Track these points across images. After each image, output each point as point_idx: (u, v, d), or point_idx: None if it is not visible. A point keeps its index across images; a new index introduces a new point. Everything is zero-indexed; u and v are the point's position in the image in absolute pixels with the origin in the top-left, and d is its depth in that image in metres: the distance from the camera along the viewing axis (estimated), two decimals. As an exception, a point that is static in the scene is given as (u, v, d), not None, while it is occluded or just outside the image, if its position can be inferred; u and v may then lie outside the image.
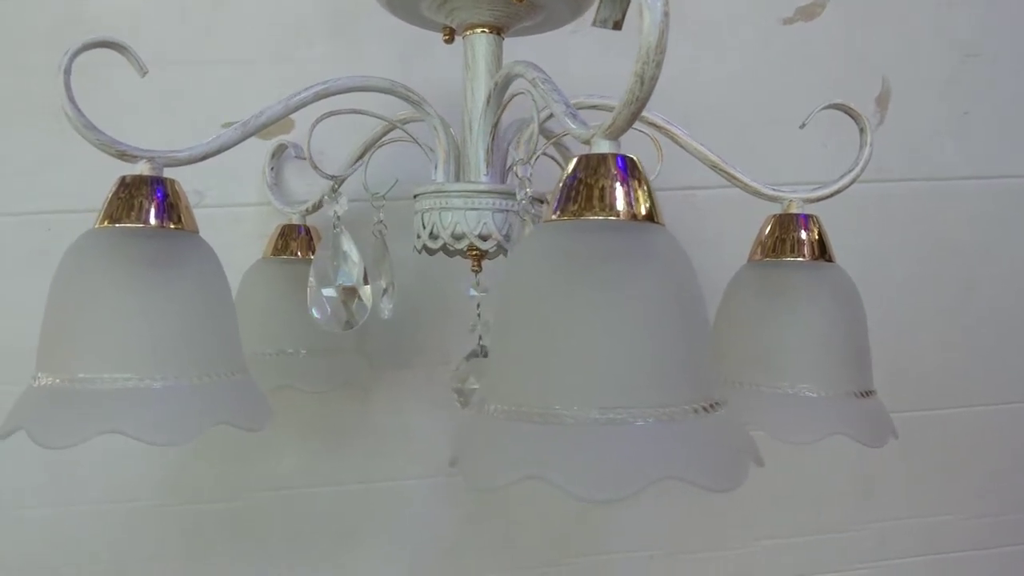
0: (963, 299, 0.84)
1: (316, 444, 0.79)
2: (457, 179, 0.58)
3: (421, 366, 0.79)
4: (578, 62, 0.76)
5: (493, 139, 0.55)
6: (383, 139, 0.65)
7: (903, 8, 0.81)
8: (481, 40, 0.58)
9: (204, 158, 0.49)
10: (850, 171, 0.56)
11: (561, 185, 0.39)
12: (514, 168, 0.51)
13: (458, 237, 0.54)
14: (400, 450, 0.80)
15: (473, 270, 0.58)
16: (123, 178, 0.47)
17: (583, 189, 0.38)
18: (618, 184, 0.38)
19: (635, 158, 0.39)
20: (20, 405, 0.45)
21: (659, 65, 0.35)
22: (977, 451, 0.87)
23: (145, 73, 0.48)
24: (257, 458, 0.77)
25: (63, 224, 0.73)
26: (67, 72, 0.45)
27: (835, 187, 0.56)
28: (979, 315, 0.85)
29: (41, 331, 0.46)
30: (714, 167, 0.57)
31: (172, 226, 0.47)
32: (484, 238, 0.54)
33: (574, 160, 0.39)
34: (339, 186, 0.58)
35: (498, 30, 0.58)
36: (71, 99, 0.45)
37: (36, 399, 0.44)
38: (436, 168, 0.57)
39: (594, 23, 0.39)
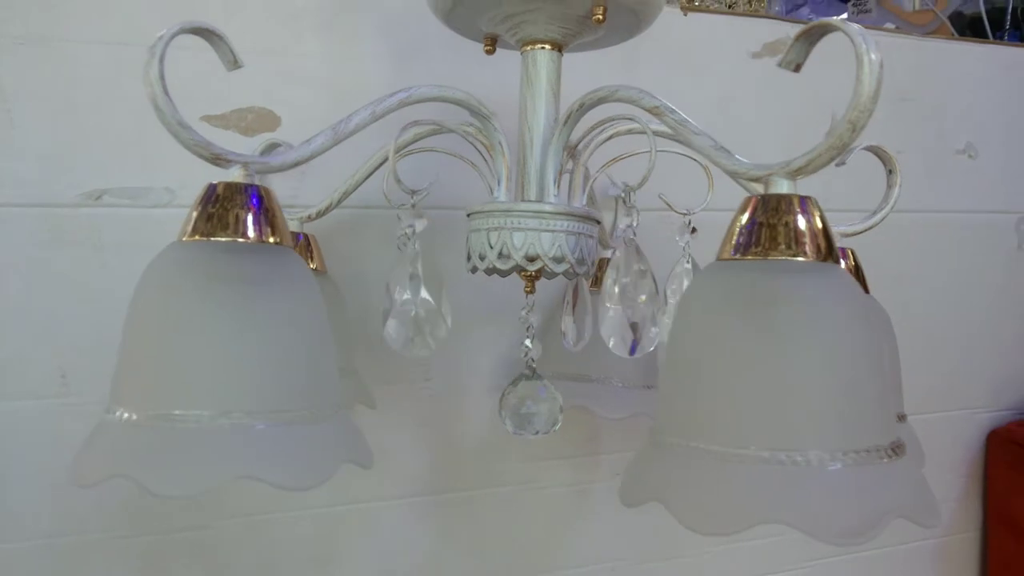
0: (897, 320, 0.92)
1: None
2: (513, 198, 0.56)
3: (402, 383, 0.76)
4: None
5: (568, 160, 0.54)
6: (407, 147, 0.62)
7: (850, 52, 0.88)
8: (543, 56, 0.56)
9: (296, 164, 0.45)
10: (882, 209, 0.60)
11: (740, 225, 0.39)
12: (622, 197, 0.50)
13: (531, 259, 0.53)
14: (374, 470, 0.75)
15: (527, 291, 0.56)
16: (213, 186, 0.42)
17: (765, 230, 0.38)
18: (802, 222, 0.38)
19: (812, 198, 0.39)
20: (101, 444, 0.38)
21: (871, 114, 0.36)
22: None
23: (236, 67, 0.42)
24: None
25: (9, 219, 0.63)
26: (161, 60, 0.39)
27: (871, 222, 0.60)
28: (911, 334, 0.93)
29: (120, 357, 0.40)
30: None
31: (271, 239, 0.42)
32: (558, 260, 0.53)
33: (751, 200, 0.39)
34: (417, 200, 0.54)
35: (559, 47, 0.57)
36: (166, 92, 0.39)
37: (125, 438, 0.38)
38: (499, 186, 0.55)
39: (780, 64, 0.40)
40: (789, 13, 1.08)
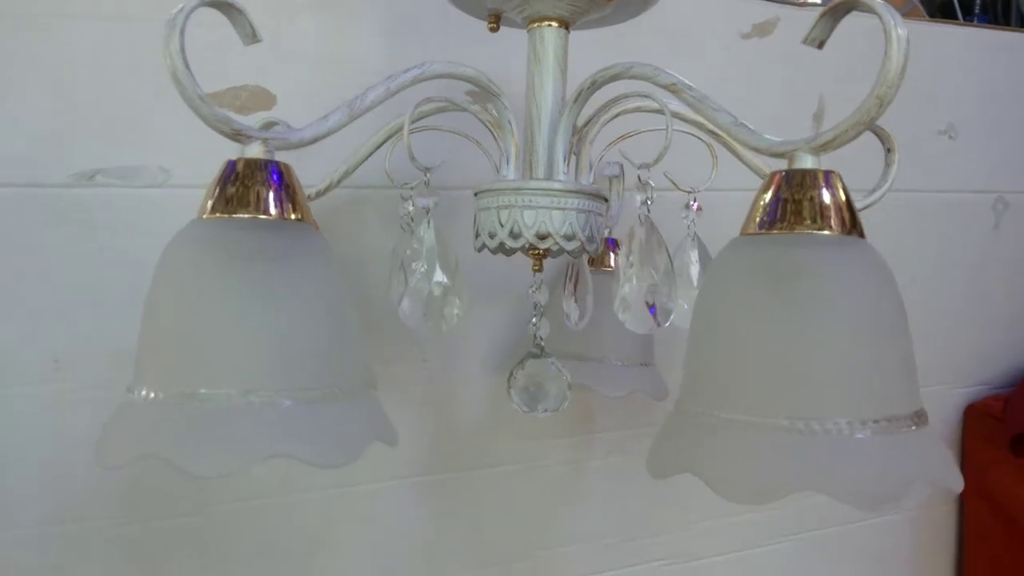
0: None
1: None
2: (523, 176, 0.56)
3: (398, 363, 0.75)
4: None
5: (577, 138, 0.54)
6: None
7: (838, 33, 0.89)
8: (551, 33, 0.56)
9: (314, 141, 0.44)
10: (880, 187, 0.61)
11: (764, 200, 0.39)
12: (637, 175, 0.50)
13: (542, 236, 0.53)
14: (370, 451, 0.75)
15: (535, 270, 0.56)
16: (232, 163, 0.41)
17: (791, 204, 0.39)
18: (827, 196, 0.39)
19: (835, 172, 0.40)
20: (126, 424, 0.38)
21: (897, 90, 0.36)
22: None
23: (255, 41, 0.42)
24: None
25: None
26: (182, 33, 0.38)
27: (867, 202, 0.61)
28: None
29: (142, 337, 0.39)
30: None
31: (293, 216, 0.41)
32: (569, 238, 0.53)
33: (776, 175, 0.40)
34: (429, 178, 0.54)
35: (566, 24, 0.56)
36: (186, 65, 0.38)
37: (151, 418, 0.37)
38: (508, 164, 0.55)
39: (804, 41, 0.40)
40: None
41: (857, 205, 0.59)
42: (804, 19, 0.88)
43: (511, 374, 0.57)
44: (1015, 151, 1.00)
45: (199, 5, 0.39)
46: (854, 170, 0.68)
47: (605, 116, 0.57)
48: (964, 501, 1.03)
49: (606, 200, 0.56)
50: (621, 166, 0.74)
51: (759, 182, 0.52)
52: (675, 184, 0.59)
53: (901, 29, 0.35)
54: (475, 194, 0.56)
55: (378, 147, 0.61)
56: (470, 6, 0.58)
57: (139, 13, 0.64)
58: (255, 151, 0.41)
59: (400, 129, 0.61)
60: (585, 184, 0.54)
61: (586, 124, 0.56)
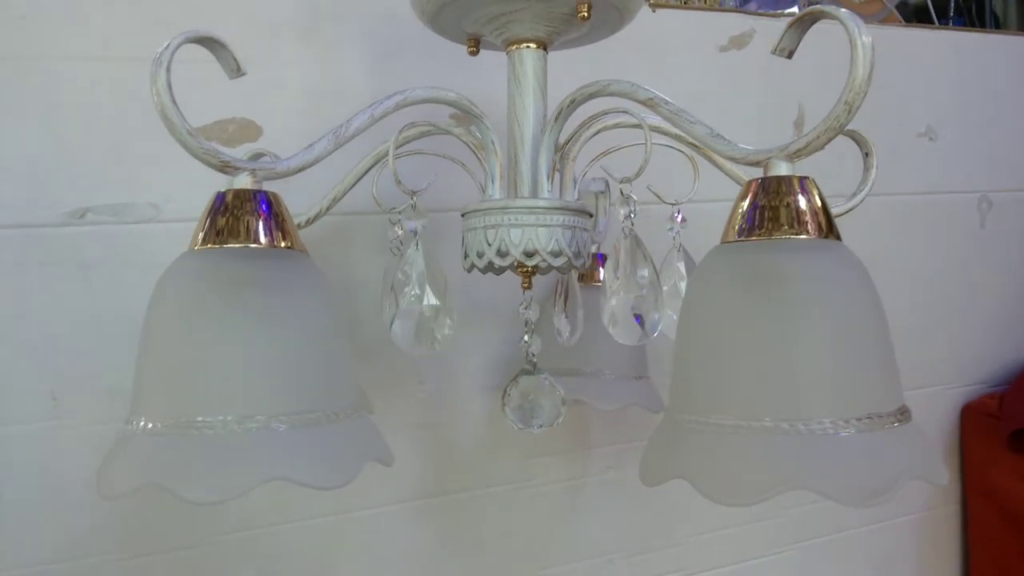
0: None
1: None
2: (507, 195, 0.57)
3: (395, 387, 0.76)
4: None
5: (559, 156, 0.55)
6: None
7: (814, 42, 0.91)
8: (530, 55, 0.57)
9: (301, 169, 0.45)
10: (860, 191, 0.62)
11: (742, 208, 0.40)
12: (619, 189, 0.51)
13: (530, 254, 0.53)
14: (372, 476, 0.75)
15: (524, 287, 0.57)
16: (222, 194, 0.42)
17: (768, 211, 0.40)
18: (803, 202, 0.40)
19: (810, 178, 0.41)
20: (128, 455, 0.38)
21: (865, 96, 0.37)
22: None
23: (240, 75, 0.43)
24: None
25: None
26: (168, 70, 0.39)
27: (848, 206, 0.62)
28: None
29: (138, 369, 0.40)
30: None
31: (283, 244, 0.42)
32: (556, 255, 0.54)
33: (752, 183, 0.41)
34: (416, 201, 0.55)
35: (544, 45, 0.58)
36: (173, 101, 0.39)
37: (150, 448, 0.38)
38: (492, 184, 0.56)
39: (774, 51, 0.41)
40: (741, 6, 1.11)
41: (839, 209, 0.60)
42: (778, 30, 0.89)
43: (505, 392, 0.58)
44: (996, 150, 1.01)
45: (184, 41, 0.40)
46: (841, 176, 0.70)
47: (587, 133, 0.58)
48: (967, 500, 1.03)
49: (591, 215, 0.57)
50: (606, 181, 0.75)
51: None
52: (659, 197, 0.60)
53: (866, 37, 0.36)
54: (462, 215, 0.56)
55: (365, 173, 0.62)
56: (450, 32, 0.59)
57: (122, 53, 0.65)
58: (244, 182, 0.42)
59: (386, 155, 0.62)
60: (570, 200, 0.55)
61: (568, 141, 0.57)
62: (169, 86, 0.39)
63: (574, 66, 0.66)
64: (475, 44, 0.60)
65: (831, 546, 0.96)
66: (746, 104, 0.89)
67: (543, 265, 0.55)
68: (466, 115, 0.55)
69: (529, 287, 0.57)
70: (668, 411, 0.41)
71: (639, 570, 0.87)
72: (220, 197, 0.42)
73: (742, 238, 0.40)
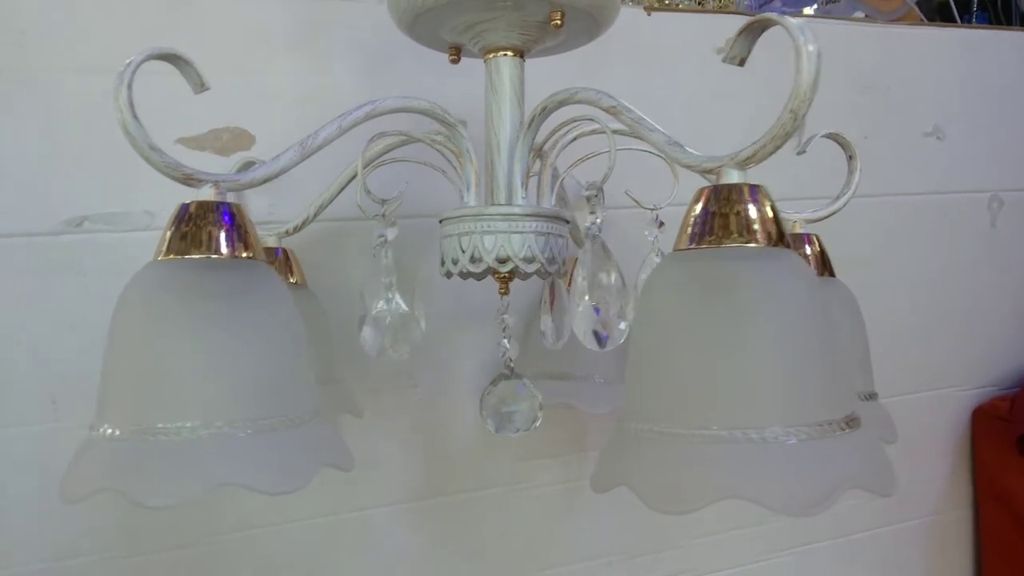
0: (862, 303, 0.94)
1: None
2: (483, 202, 0.58)
3: (389, 390, 0.77)
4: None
5: (534, 162, 0.56)
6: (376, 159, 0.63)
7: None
8: (506, 63, 0.57)
9: (265, 181, 0.46)
10: (844, 194, 0.61)
11: (694, 216, 0.40)
12: (585, 194, 0.51)
13: (502, 260, 0.54)
14: (368, 478, 0.77)
15: (501, 293, 0.58)
16: (185, 206, 0.43)
17: (718, 219, 0.40)
18: (752, 210, 0.40)
19: (762, 186, 0.41)
20: (87, 461, 0.39)
21: (810, 104, 0.37)
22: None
23: (204, 90, 0.44)
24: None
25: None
26: (129, 87, 0.40)
27: (832, 208, 0.61)
28: (876, 317, 0.95)
29: (103, 377, 0.41)
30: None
31: (244, 254, 0.43)
32: (529, 261, 0.54)
33: (704, 191, 0.41)
34: (388, 210, 0.56)
35: (521, 53, 0.58)
36: (135, 117, 0.41)
37: (110, 454, 0.39)
38: (468, 191, 0.56)
39: (724, 59, 0.41)
40: (761, 7, 1.10)
41: (821, 213, 0.60)
42: (776, 31, 0.89)
43: (483, 396, 0.58)
44: (1007, 149, 0.99)
45: (147, 58, 0.41)
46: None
47: (565, 139, 0.59)
48: (978, 504, 1.01)
49: (567, 221, 0.57)
50: (600, 187, 0.75)
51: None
52: (637, 202, 0.60)
53: (812, 46, 0.37)
54: (440, 221, 0.57)
55: (348, 181, 0.63)
56: (429, 40, 0.59)
57: (115, 64, 0.66)
58: (207, 193, 0.43)
59: (370, 162, 0.63)
60: (544, 207, 0.56)
61: (541, 147, 0.57)
62: (131, 102, 0.40)
63: (569, 70, 0.67)
64: (456, 52, 0.61)
65: (833, 550, 0.95)
66: (744, 106, 0.88)
67: (521, 271, 0.55)
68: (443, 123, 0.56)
69: (506, 293, 0.58)
70: (619, 420, 0.42)
71: (636, 573, 0.87)
72: (184, 208, 0.43)
73: (693, 245, 0.40)
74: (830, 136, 0.61)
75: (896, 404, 0.97)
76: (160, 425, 0.39)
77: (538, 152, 0.60)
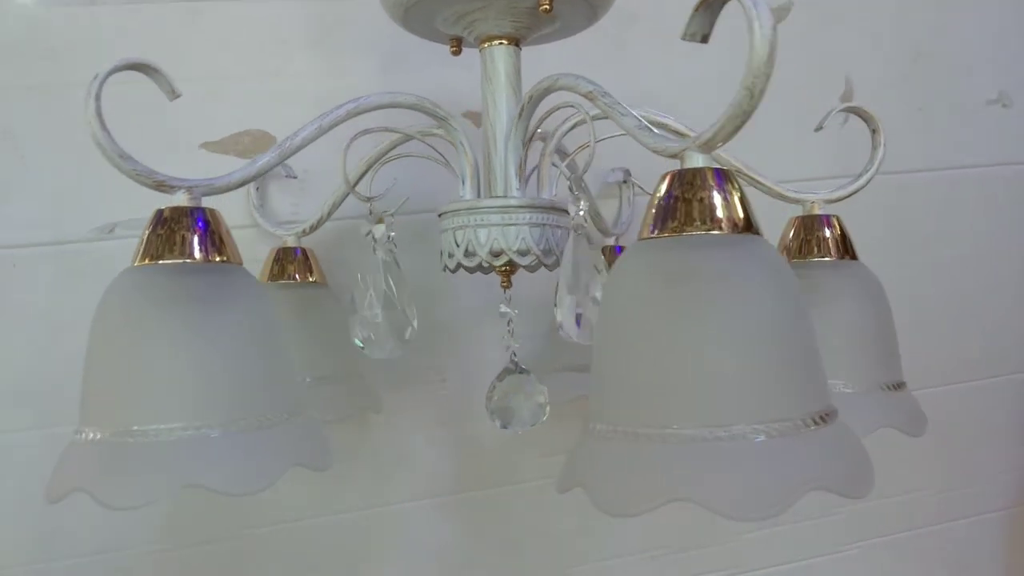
0: (925, 283, 0.88)
1: (313, 473, 0.76)
2: (481, 195, 0.57)
3: (417, 385, 0.77)
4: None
5: (526, 152, 0.54)
6: (385, 155, 0.63)
7: (861, 12, 0.85)
8: (501, 52, 0.56)
9: (242, 184, 0.46)
10: (867, 171, 0.58)
11: (656, 202, 0.39)
12: (569, 184, 0.50)
13: (496, 254, 0.53)
14: (399, 473, 0.78)
15: (503, 286, 0.57)
16: (160, 211, 0.44)
17: (681, 205, 0.38)
18: (717, 197, 0.38)
19: (729, 170, 0.39)
20: (68, 463, 0.41)
21: (768, 79, 0.35)
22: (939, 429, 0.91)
23: (176, 97, 0.44)
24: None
25: (25, 260, 0.68)
26: (97, 98, 0.41)
27: (853, 187, 0.58)
28: (943, 299, 0.89)
29: (83, 381, 0.42)
30: (737, 172, 0.58)
31: (218, 259, 0.44)
32: (523, 254, 0.53)
33: (667, 176, 0.39)
34: (374, 208, 0.56)
35: (516, 41, 0.57)
36: (104, 127, 0.42)
37: (88, 456, 0.40)
38: (463, 184, 0.56)
39: (683, 36, 0.39)
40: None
41: (841, 193, 0.56)
42: (820, 3, 0.84)
43: (489, 391, 0.58)
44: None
45: (115, 70, 0.42)
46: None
47: (564, 127, 0.57)
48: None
49: (565, 212, 0.56)
50: (627, 171, 0.73)
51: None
52: (643, 190, 0.58)
53: (765, 20, 0.34)
54: (439, 216, 0.57)
55: (359, 180, 0.63)
56: (424, 32, 0.59)
57: (140, 75, 0.69)
58: (181, 199, 0.44)
59: (376, 160, 0.63)
60: (540, 198, 0.54)
61: (532, 136, 0.56)
62: (99, 113, 0.42)
63: (592, 54, 0.65)
64: (457, 44, 0.60)
65: (899, 546, 0.90)
66: (790, 79, 0.84)
67: (526, 263, 0.54)
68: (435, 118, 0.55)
69: (508, 286, 0.57)
70: (587, 420, 0.40)
71: (682, 567, 0.85)
72: (159, 214, 0.44)
73: (655, 233, 0.38)
74: (850, 110, 0.57)
75: (972, 390, 0.91)
76: (135, 428, 0.40)
77: (542, 141, 0.58)
